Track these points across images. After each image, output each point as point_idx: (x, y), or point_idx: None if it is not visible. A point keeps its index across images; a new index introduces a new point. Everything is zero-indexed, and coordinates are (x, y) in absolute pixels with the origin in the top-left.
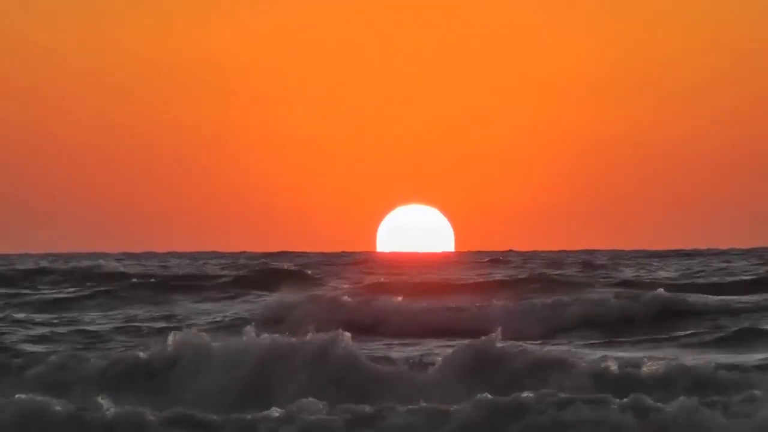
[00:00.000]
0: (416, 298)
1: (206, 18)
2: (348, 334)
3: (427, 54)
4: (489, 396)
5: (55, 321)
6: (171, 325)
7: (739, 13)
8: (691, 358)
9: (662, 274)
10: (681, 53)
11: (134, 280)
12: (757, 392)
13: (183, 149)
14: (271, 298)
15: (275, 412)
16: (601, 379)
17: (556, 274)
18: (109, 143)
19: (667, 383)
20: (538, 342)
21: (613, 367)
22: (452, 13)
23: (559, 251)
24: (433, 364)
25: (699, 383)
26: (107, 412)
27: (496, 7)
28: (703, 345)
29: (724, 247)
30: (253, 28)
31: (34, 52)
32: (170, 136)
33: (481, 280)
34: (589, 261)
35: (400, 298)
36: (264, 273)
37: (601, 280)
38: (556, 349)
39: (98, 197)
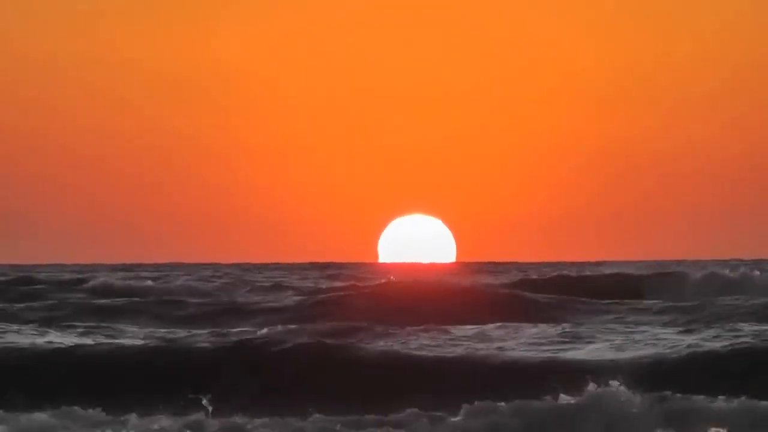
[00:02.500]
0: None
1: (207, 27)
2: None
3: (429, 62)
4: None
5: None
6: None
7: (747, 21)
8: None
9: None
10: (687, 61)
11: None
12: None
13: (183, 158)
14: None
15: None
16: None
17: None
18: (108, 151)
19: None
20: None
21: None
22: (455, 22)
23: (557, 263)
24: None
25: None
26: None
27: (500, 15)
28: None
29: (729, 256)
30: (252, 36)
31: (33, 60)
32: (170, 145)
33: None
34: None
35: None
36: None
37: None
38: None
39: (97, 206)
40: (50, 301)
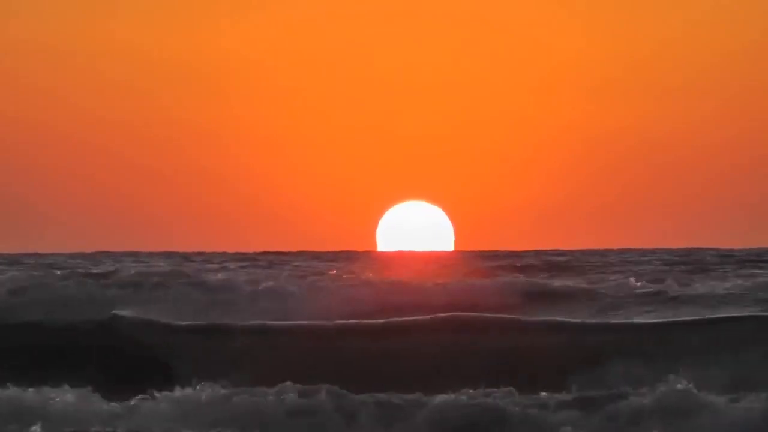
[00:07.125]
0: None
1: (211, 16)
2: None
3: (426, 51)
4: None
5: None
6: None
7: (734, 8)
8: None
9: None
10: (676, 49)
11: None
12: None
13: (181, 146)
14: None
15: None
16: None
17: None
18: (111, 141)
19: None
20: None
21: None
22: (451, 12)
23: (553, 250)
24: None
25: None
26: None
27: (497, 5)
28: None
29: (719, 245)
30: (254, 25)
31: (36, 49)
32: (168, 134)
33: None
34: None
35: None
36: None
37: None
38: None
39: (101, 195)
40: None
